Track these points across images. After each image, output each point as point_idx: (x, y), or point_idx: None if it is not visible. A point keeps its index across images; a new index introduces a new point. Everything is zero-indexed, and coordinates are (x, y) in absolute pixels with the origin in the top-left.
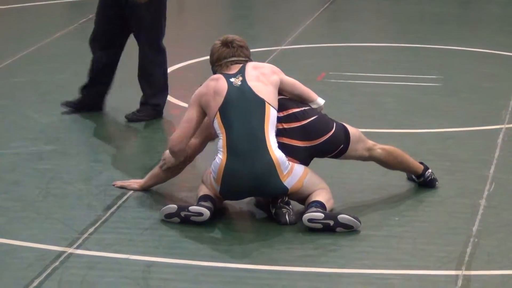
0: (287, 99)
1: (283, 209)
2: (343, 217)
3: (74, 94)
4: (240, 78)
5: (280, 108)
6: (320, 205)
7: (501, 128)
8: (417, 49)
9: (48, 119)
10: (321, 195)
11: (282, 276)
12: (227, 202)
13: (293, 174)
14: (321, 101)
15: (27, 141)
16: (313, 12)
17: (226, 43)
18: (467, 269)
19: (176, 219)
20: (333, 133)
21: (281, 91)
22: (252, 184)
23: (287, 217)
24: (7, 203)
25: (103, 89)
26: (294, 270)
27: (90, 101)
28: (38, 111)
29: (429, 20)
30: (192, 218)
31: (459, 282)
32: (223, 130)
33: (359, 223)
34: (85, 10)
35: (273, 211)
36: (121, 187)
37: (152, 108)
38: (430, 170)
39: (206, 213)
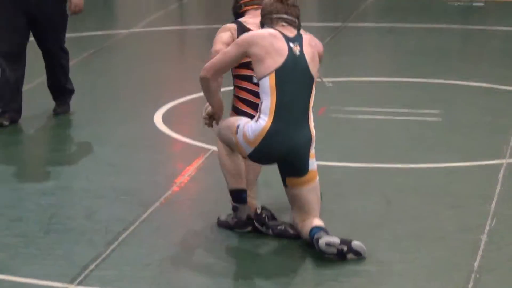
0: None
1: (279, 226)
2: (356, 244)
3: (75, 129)
4: (298, 48)
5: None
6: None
7: (502, 163)
8: (418, 84)
9: (50, 154)
10: (319, 220)
11: None
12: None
13: (314, 159)
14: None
15: (30, 177)
16: None
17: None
18: None
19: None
20: None
21: None
22: (288, 152)
23: (290, 230)
24: (9, 239)
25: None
26: None
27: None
28: (41, 146)
29: (431, 55)
30: None
31: None
32: (274, 92)
33: (365, 250)
34: (87, 45)
35: (270, 232)
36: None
37: (70, 92)
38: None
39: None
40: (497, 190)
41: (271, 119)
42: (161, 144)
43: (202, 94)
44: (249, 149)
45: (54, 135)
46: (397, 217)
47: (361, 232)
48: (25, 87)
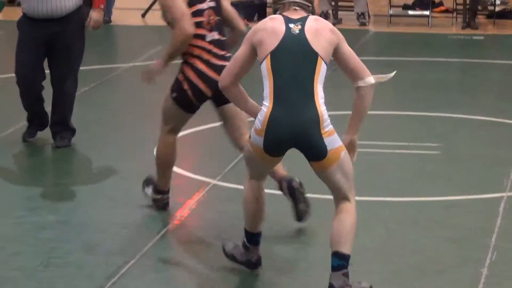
0: None
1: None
2: None
3: (75, 163)
4: (299, 27)
5: None
6: (347, 261)
7: (503, 196)
8: (418, 117)
9: (49, 188)
10: (350, 234)
11: None
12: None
13: (334, 137)
14: (370, 80)
15: (30, 211)
16: None
17: None
18: None
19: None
20: None
21: (334, 58)
22: (294, 134)
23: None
24: (9, 272)
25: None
26: None
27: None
28: (41, 179)
29: (431, 88)
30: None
31: None
32: (271, 75)
33: None
34: (87, 79)
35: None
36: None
37: (72, 132)
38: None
39: None
40: (498, 224)
41: (271, 103)
42: None
43: (202, 127)
44: (260, 142)
45: (54, 168)
46: (398, 250)
47: (361, 264)
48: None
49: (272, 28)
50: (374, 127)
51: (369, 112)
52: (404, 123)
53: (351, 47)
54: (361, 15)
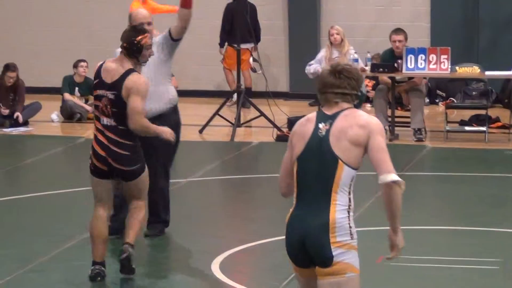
0: None
1: None
2: None
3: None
4: (327, 127)
5: None
6: None
7: None
8: (475, 232)
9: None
10: None
11: None
12: None
13: (348, 252)
14: (385, 178)
15: None
16: (372, 195)
17: (334, 72)
18: None
19: None
20: None
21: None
22: (302, 237)
23: None
24: None
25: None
26: None
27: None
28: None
29: (486, 203)
30: None
31: None
32: (297, 179)
33: None
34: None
35: None
36: None
37: (163, 224)
38: None
39: None
40: None
41: (294, 207)
42: None
43: (258, 242)
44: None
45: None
46: None
47: None
48: None
49: (301, 132)
50: (431, 242)
51: (425, 227)
52: (461, 238)
53: (407, 163)
54: (417, 131)
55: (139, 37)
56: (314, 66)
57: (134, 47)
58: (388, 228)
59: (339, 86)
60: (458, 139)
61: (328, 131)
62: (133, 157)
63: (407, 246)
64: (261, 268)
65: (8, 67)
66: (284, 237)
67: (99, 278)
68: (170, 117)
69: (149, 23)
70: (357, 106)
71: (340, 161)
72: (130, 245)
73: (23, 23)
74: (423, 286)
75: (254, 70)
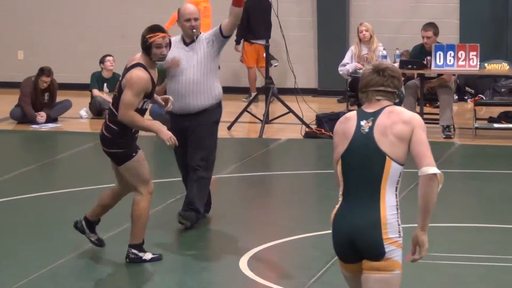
0: None
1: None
2: None
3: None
4: (370, 124)
5: None
6: None
7: None
8: (503, 230)
9: None
10: None
11: None
12: None
13: (397, 249)
14: (426, 170)
15: None
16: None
17: (378, 70)
18: None
19: None
20: None
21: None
22: (349, 235)
23: None
24: None
25: None
26: None
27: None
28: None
29: None
30: None
31: None
32: (342, 178)
33: None
34: (174, 189)
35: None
36: None
37: (196, 213)
38: None
39: None
40: None
41: (340, 204)
42: None
43: (285, 239)
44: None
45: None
46: None
47: None
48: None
49: (343, 130)
50: (457, 239)
51: (453, 224)
52: (488, 235)
53: (436, 160)
54: (446, 128)
55: (149, 35)
56: (351, 65)
57: (144, 44)
58: (409, 225)
59: (382, 84)
60: (486, 136)
61: (371, 128)
62: (115, 141)
63: (433, 243)
64: (290, 265)
65: (43, 72)
66: (314, 233)
67: (77, 226)
68: (212, 113)
69: (195, 19)
70: (397, 105)
71: (387, 157)
72: (130, 246)
73: (58, 24)
74: (445, 282)
75: (270, 65)
